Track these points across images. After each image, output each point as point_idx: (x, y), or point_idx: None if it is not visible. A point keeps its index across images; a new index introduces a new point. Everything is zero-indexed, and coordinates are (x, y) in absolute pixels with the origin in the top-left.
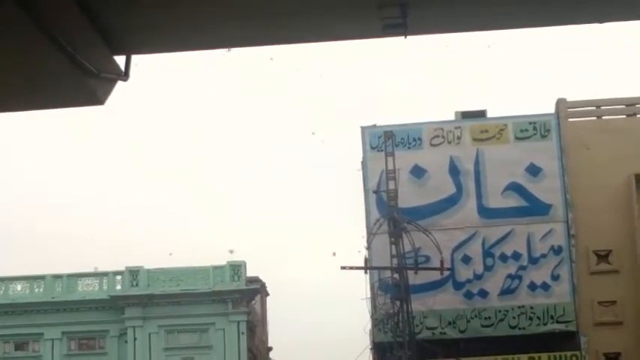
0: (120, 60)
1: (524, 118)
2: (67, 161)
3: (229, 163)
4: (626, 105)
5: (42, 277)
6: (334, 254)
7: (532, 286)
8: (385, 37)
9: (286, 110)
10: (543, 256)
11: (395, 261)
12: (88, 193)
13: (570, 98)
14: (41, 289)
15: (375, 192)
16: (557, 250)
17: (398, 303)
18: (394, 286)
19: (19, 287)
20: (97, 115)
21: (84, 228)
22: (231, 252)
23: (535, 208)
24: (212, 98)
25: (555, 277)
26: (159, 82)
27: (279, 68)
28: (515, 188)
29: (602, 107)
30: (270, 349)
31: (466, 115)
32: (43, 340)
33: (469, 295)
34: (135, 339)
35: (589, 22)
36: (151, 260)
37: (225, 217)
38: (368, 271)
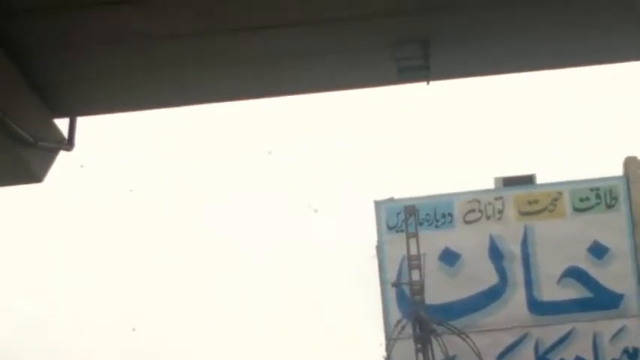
0: (62, 124)
1: (583, 184)
2: None
3: (193, 249)
4: None
5: None
6: None
7: None
8: (403, 82)
9: (277, 179)
10: None
11: None
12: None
13: None
14: None
15: (394, 285)
16: (632, 355)
17: None
18: None
19: None
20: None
21: None
22: None
23: (602, 300)
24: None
25: None
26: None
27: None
28: (576, 274)
29: None
30: None
31: (509, 182)
32: None
33: None
34: None
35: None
36: None
37: (187, 324)
38: None
